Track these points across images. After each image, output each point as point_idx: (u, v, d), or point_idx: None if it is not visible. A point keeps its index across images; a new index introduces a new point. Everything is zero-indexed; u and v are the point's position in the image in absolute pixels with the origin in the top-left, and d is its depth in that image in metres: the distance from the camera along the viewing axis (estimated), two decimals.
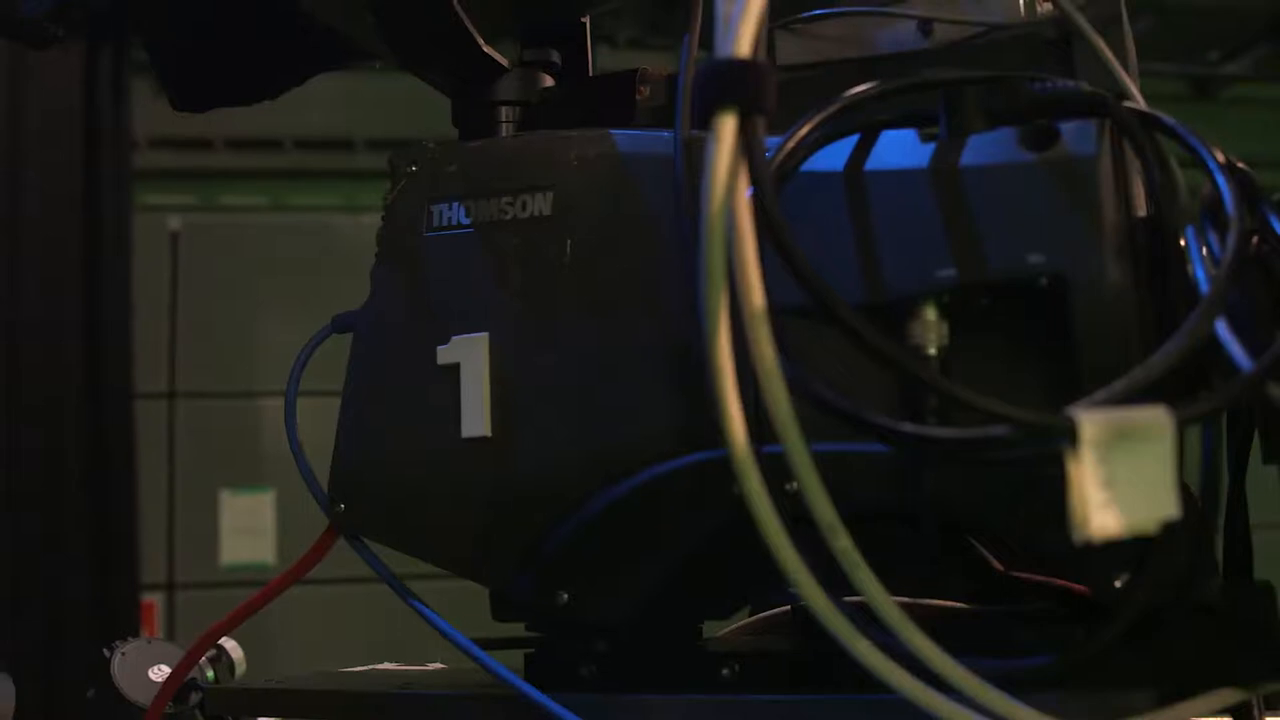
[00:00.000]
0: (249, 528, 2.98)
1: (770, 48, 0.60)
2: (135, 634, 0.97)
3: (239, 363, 3.03)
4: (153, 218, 3.02)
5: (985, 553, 0.62)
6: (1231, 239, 0.45)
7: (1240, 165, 0.54)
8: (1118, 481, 0.38)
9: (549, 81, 0.71)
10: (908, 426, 0.43)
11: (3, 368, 2.08)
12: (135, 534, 2.43)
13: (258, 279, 3.09)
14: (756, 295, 0.42)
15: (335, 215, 3.17)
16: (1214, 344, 0.46)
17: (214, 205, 3.23)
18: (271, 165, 3.26)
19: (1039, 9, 0.58)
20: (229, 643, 0.97)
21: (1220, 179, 0.47)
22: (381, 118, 3.05)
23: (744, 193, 0.42)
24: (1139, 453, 0.39)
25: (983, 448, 0.43)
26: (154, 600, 2.95)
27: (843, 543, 0.45)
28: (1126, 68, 0.56)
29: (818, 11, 0.61)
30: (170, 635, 2.76)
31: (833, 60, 0.60)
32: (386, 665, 0.80)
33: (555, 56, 0.72)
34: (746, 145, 0.41)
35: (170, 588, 2.97)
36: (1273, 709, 0.63)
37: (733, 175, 0.42)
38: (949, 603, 0.62)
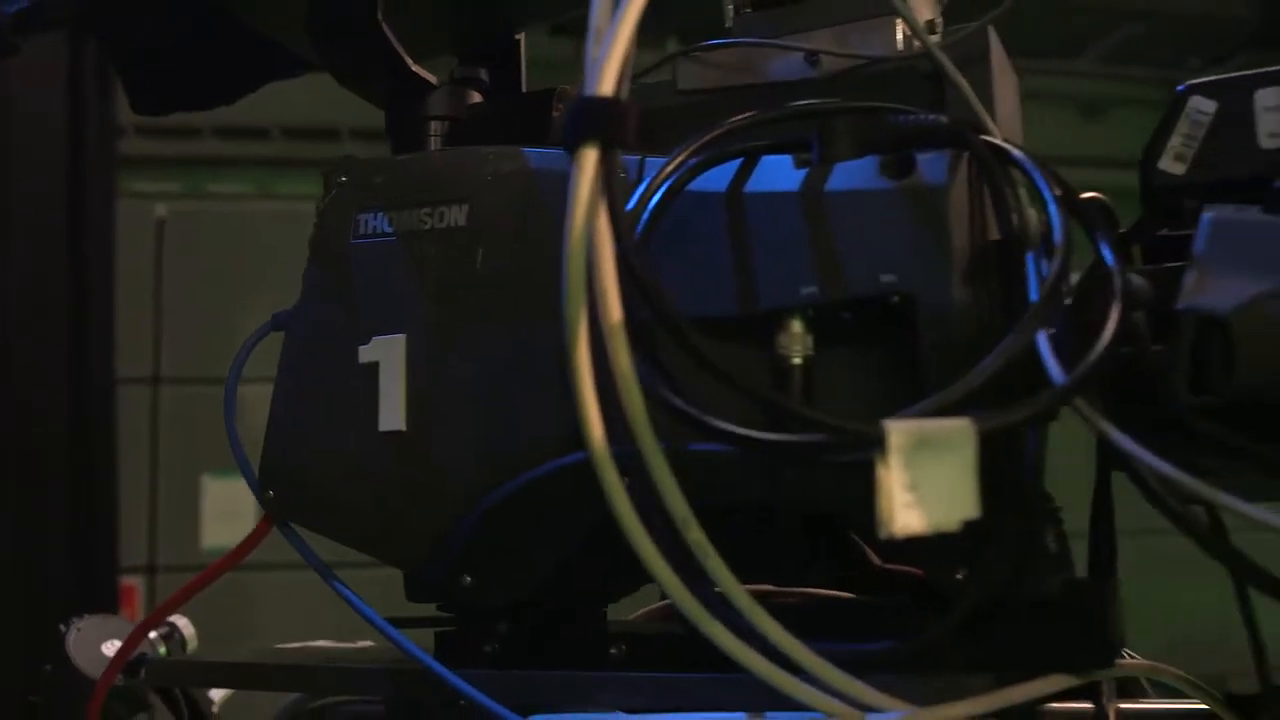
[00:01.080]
0: (231, 512, 3.02)
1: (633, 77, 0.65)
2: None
3: (223, 349, 3.06)
4: (139, 205, 3.06)
5: (865, 547, 0.67)
6: (1055, 265, 0.50)
7: (1094, 196, 0.59)
8: (921, 484, 0.43)
9: (478, 98, 0.76)
10: (738, 430, 0.48)
11: None
12: (115, 517, 2.47)
13: (243, 266, 3.14)
14: (614, 311, 0.47)
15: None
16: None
17: (200, 193, 3.28)
18: (258, 153, 3.30)
19: (916, 44, 0.62)
20: (181, 620, 1.02)
21: (1052, 209, 0.52)
22: (367, 107, 3.09)
23: (603, 219, 0.46)
24: (942, 460, 0.43)
25: (803, 452, 0.48)
26: (135, 583, 3.00)
27: (694, 535, 0.49)
28: (991, 101, 0.60)
29: (715, 41, 0.66)
30: None
31: (729, 86, 0.65)
32: (321, 642, 0.85)
33: (484, 74, 0.76)
34: (606, 177, 0.46)
35: (151, 570, 3.02)
36: (1127, 694, 0.68)
37: (593, 203, 0.46)
38: (831, 592, 0.67)
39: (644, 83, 0.69)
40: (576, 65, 0.49)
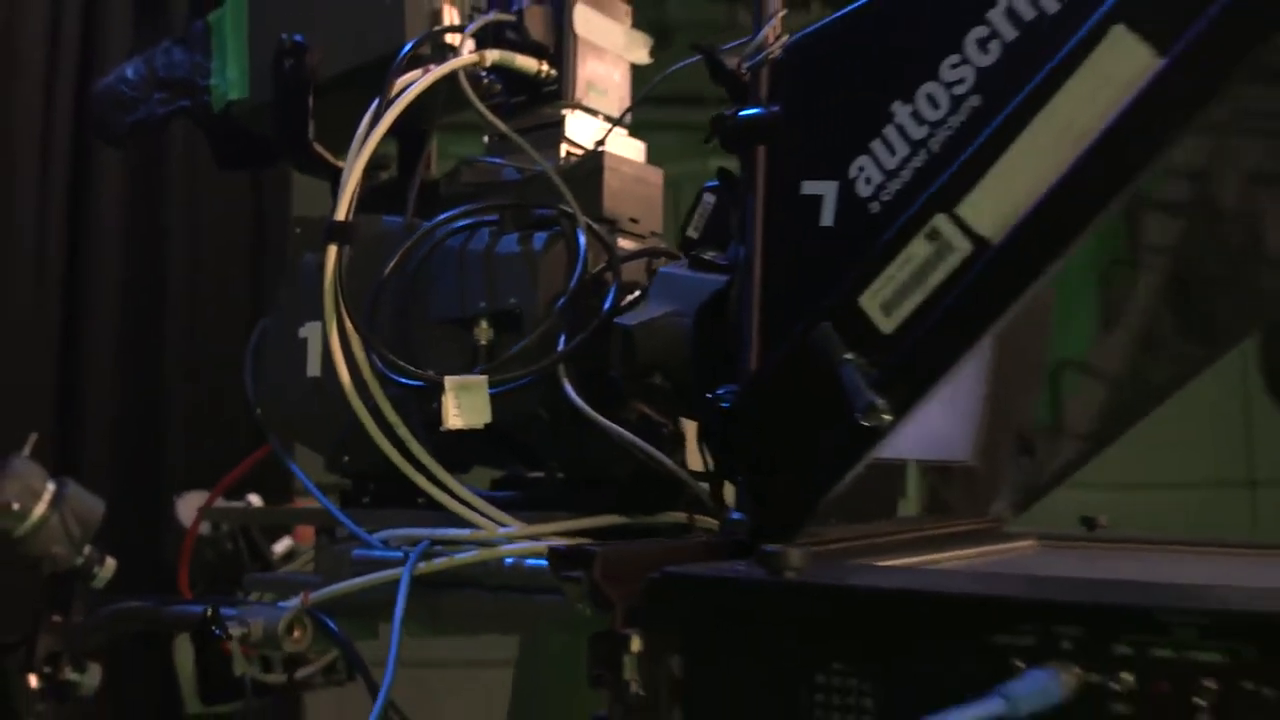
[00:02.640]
0: None
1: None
2: None
3: None
4: None
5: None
6: (564, 300, 1.04)
7: (646, 249, 1.13)
8: (462, 406, 1.00)
9: (387, 174, 1.34)
10: (392, 376, 1.05)
11: (184, 347, 2.83)
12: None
13: None
14: (350, 328, 1.05)
15: None
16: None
17: None
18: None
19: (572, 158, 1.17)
20: (254, 496, 1.67)
21: (579, 265, 1.06)
22: None
23: (338, 285, 1.05)
24: (473, 394, 1.00)
25: (416, 391, 1.05)
26: None
27: (402, 431, 1.08)
28: (600, 194, 1.14)
29: (478, 157, 1.22)
30: None
31: (484, 182, 1.21)
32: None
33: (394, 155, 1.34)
34: (337, 262, 1.04)
35: None
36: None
37: (336, 275, 1.05)
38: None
39: (465, 165, 1.25)
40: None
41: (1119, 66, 0.71)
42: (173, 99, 1.43)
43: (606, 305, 1.05)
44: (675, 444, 1.14)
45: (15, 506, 1.37)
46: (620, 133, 1.23)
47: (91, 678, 1.42)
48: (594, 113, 1.21)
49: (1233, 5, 0.68)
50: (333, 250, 1.06)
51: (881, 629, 0.70)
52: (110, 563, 1.43)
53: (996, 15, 0.78)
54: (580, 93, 1.19)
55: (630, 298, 1.09)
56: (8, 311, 2.54)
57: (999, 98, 0.78)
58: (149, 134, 1.46)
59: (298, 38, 1.29)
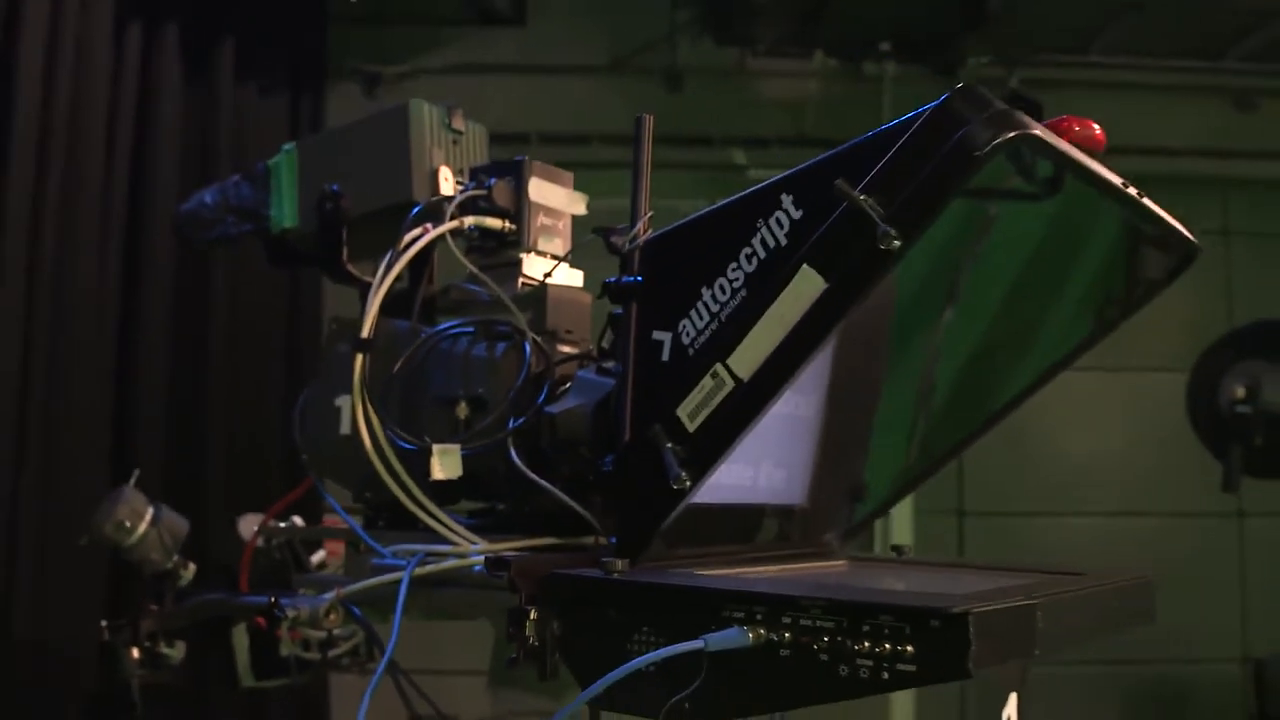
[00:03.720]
0: None
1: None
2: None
3: None
4: None
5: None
6: (514, 390, 1.67)
7: (568, 355, 1.76)
8: (444, 462, 1.63)
9: (400, 284, 1.97)
10: (393, 438, 1.68)
11: (223, 400, 3.51)
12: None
13: None
14: (370, 412, 1.68)
15: None
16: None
17: None
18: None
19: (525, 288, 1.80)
20: (297, 518, 2.32)
21: (524, 370, 1.68)
22: (552, 114, 4.43)
23: (363, 381, 1.68)
24: (449, 455, 1.62)
25: (409, 451, 1.67)
26: None
27: (403, 476, 1.70)
28: (545, 313, 1.76)
29: (462, 283, 1.84)
30: None
31: (466, 300, 1.84)
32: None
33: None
34: (362, 366, 1.68)
35: None
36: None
37: (361, 374, 1.68)
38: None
39: (453, 288, 1.88)
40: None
41: (806, 286, 1.33)
42: (241, 222, 2.07)
43: (540, 398, 1.68)
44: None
45: (127, 524, 2.01)
46: (564, 266, 1.85)
47: (178, 651, 2.06)
48: (544, 254, 1.83)
49: (863, 261, 1.29)
50: (359, 358, 1.69)
51: (665, 607, 1.32)
52: (191, 566, 2.07)
53: (756, 241, 1.40)
54: (533, 241, 1.82)
55: (562, 389, 1.71)
56: (73, 372, 3.22)
57: (755, 293, 1.39)
58: (226, 247, 2.10)
59: (334, 186, 1.92)
